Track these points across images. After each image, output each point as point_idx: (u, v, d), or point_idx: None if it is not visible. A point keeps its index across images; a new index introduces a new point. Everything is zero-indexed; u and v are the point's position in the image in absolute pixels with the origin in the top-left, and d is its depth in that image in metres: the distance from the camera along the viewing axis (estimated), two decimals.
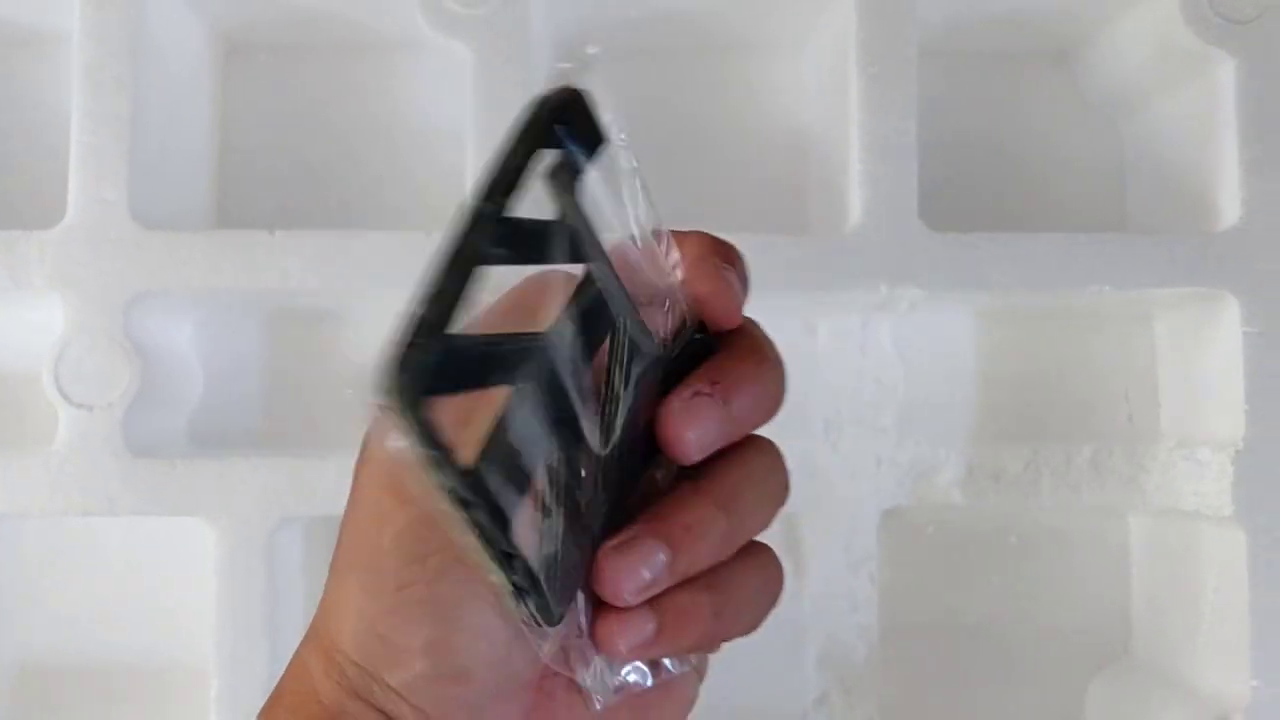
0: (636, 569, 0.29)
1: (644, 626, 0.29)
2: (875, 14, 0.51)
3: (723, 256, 0.31)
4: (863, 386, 0.56)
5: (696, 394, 0.30)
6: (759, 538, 0.32)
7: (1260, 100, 0.51)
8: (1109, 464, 0.57)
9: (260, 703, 0.48)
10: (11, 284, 0.49)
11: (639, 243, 0.29)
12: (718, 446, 0.30)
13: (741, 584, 0.31)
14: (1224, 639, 0.51)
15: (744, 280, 0.32)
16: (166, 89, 0.53)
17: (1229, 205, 0.51)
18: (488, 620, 0.28)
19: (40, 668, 0.56)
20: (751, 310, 0.56)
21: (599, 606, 0.29)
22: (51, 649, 0.56)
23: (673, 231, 0.31)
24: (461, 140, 0.51)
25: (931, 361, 0.58)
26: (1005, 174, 0.59)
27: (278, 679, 0.33)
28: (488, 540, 0.25)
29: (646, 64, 0.59)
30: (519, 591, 0.26)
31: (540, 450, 0.27)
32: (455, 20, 0.51)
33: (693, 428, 0.29)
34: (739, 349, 0.32)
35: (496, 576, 0.26)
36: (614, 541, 0.29)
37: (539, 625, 0.27)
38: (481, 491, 0.24)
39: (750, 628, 0.32)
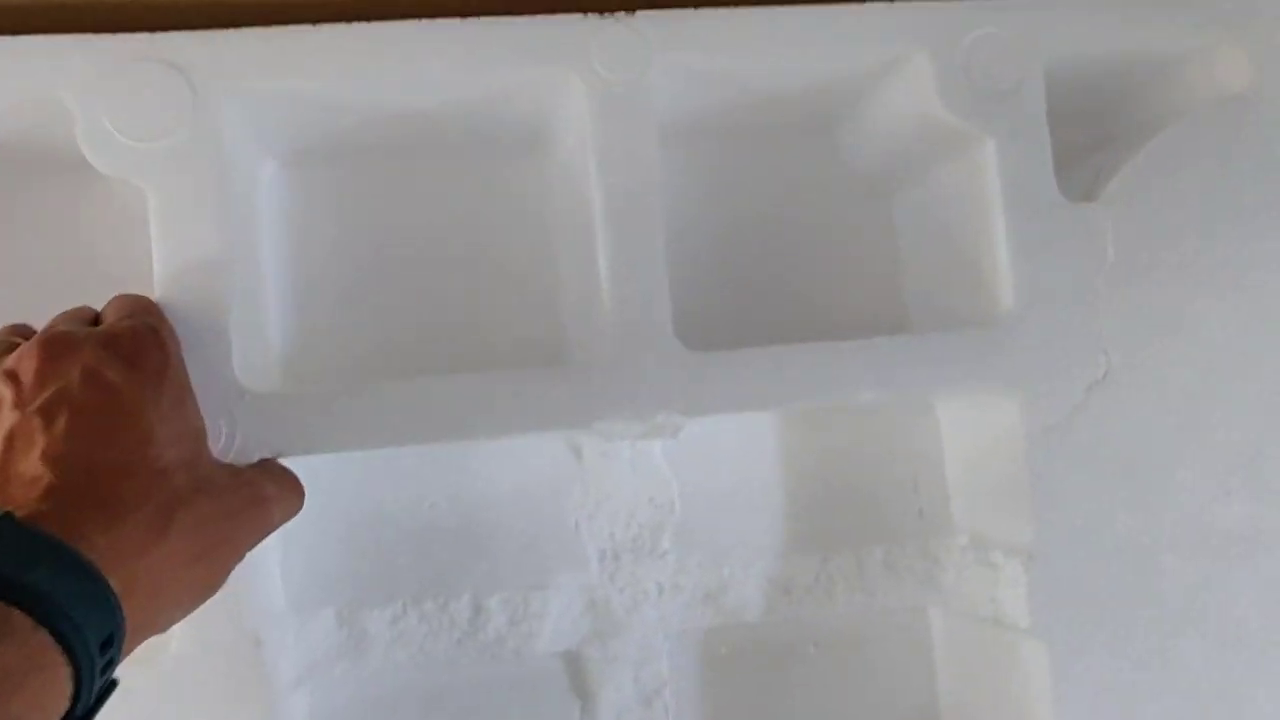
0: None
1: None
2: (610, 113, 0.46)
3: None
4: (637, 509, 0.52)
5: None
6: None
7: (1021, 181, 0.48)
8: (903, 563, 0.54)
9: None
10: None
11: None
12: None
13: None
14: None
15: None
16: None
17: (1003, 291, 0.48)
18: None
19: None
20: (510, 443, 0.51)
21: None
22: None
23: None
24: None
25: (708, 474, 0.54)
26: (779, 254, 0.55)
27: None
28: None
29: (390, 167, 0.53)
30: None
31: None
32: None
33: None
34: None
35: None
36: None
37: None
38: None
39: None
